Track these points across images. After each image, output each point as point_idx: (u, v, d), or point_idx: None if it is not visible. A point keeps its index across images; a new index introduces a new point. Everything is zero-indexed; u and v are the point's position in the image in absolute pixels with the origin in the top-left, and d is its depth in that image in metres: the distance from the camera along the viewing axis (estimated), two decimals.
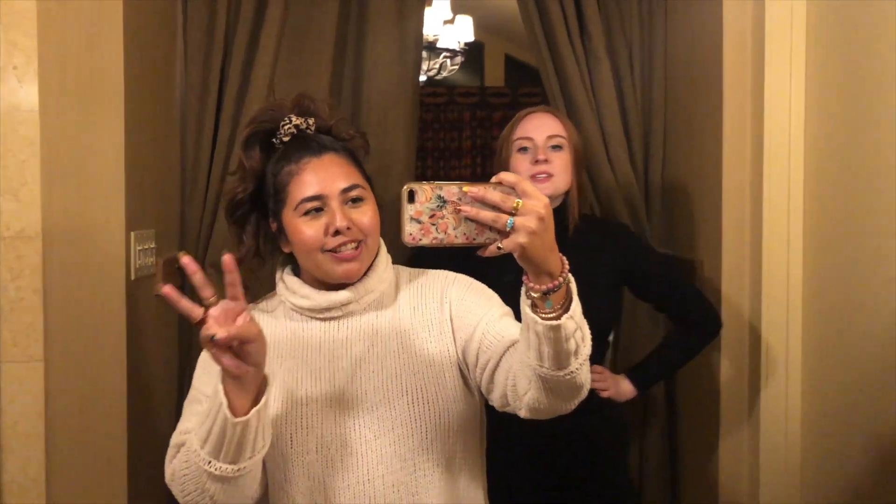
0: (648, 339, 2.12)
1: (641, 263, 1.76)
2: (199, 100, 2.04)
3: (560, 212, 1.66)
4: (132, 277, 1.70)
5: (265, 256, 1.24)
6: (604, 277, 1.69)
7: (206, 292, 0.96)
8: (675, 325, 1.84)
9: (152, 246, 1.82)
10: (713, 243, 1.95)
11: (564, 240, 1.51)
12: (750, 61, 1.85)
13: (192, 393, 1.19)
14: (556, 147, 1.67)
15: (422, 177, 6.90)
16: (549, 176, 1.64)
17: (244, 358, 0.96)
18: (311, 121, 1.22)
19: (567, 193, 1.70)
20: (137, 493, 1.73)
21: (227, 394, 0.98)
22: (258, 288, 1.26)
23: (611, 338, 1.98)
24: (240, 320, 0.95)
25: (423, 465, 1.15)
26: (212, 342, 0.92)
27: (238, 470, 1.02)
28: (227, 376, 0.97)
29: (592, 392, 1.60)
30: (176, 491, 1.09)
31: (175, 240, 2.04)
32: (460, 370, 1.19)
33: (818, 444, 1.75)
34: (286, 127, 1.19)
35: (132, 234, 1.69)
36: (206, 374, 1.17)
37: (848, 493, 1.61)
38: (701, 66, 2.01)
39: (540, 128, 1.68)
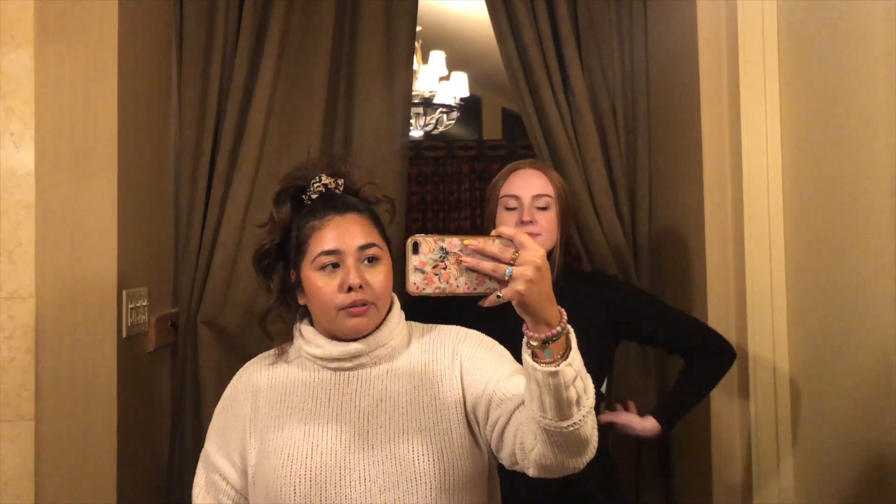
0: (641, 391, 2.13)
1: (631, 306, 1.74)
2: (192, 158, 2.09)
3: None
4: (124, 335, 1.72)
5: (291, 304, 1.29)
6: (587, 327, 1.68)
7: None
8: (687, 360, 1.78)
9: (145, 304, 1.84)
10: (699, 293, 1.97)
11: None
12: (727, 115, 1.90)
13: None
14: (543, 208, 1.67)
15: (421, 229, 6.96)
16: (535, 236, 1.62)
17: None
18: (340, 181, 1.28)
19: (552, 250, 1.69)
20: None
21: None
22: (287, 334, 1.31)
23: (603, 388, 1.97)
24: None
25: None
26: None
27: None
28: None
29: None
30: None
31: (168, 297, 2.07)
32: (469, 426, 1.20)
33: (812, 490, 1.74)
34: (316, 185, 1.25)
35: (124, 292, 1.72)
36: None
37: None
38: (681, 119, 2.07)
39: (526, 186, 1.68)
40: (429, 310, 1.40)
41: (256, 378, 1.27)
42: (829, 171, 1.63)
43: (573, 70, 2.21)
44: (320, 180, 1.26)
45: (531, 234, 1.61)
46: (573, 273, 1.75)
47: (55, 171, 1.67)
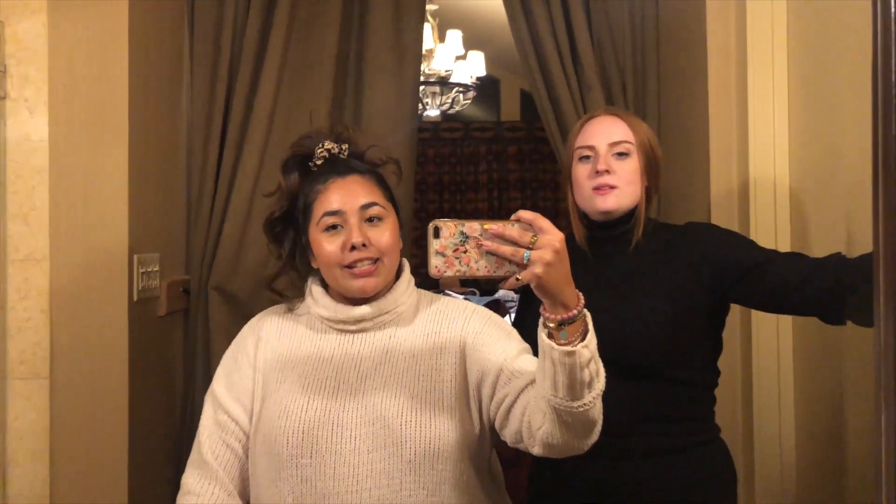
0: None
1: (713, 246, 1.48)
2: (204, 128, 2.12)
3: (625, 224, 1.49)
4: (135, 299, 1.76)
5: (301, 270, 1.34)
6: (669, 291, 1.45)
7: None
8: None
9: (156, 269, 1.88)
10: None
11: (625, 256, 1.38)
12: (734, 90, 1.90)
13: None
14: (622, 154, 1.48)
15: (438, 210, 6.99)
16: (612, 188, 1.46)
17: None
18: (344, 146, 1.32)
19: (636, 206, 1.49)
20: None
21: None
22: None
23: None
24: None
25: (408, 486, 1.17)
26: None
27: None
28: None
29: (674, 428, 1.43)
30: None
31: (180, 263, 2.11)
32: (465, 400, 1.22)
33: (812, 457, 1.75)
34: (320, 151, 1.30)
35: (135, 256, 1.76)
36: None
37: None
38: (689, 94, 2.06)
39: (602, 133, 1.49)
40: None
41: (268, 328, 1.32)
42: (834, 149, 1.63)
43: (582, 41, 2.20)
44: (324, 146, 1.30)
45: (607, 185, 1.46)
46: (664, 229, 1.55)
47: (68, 138, 1.71)
